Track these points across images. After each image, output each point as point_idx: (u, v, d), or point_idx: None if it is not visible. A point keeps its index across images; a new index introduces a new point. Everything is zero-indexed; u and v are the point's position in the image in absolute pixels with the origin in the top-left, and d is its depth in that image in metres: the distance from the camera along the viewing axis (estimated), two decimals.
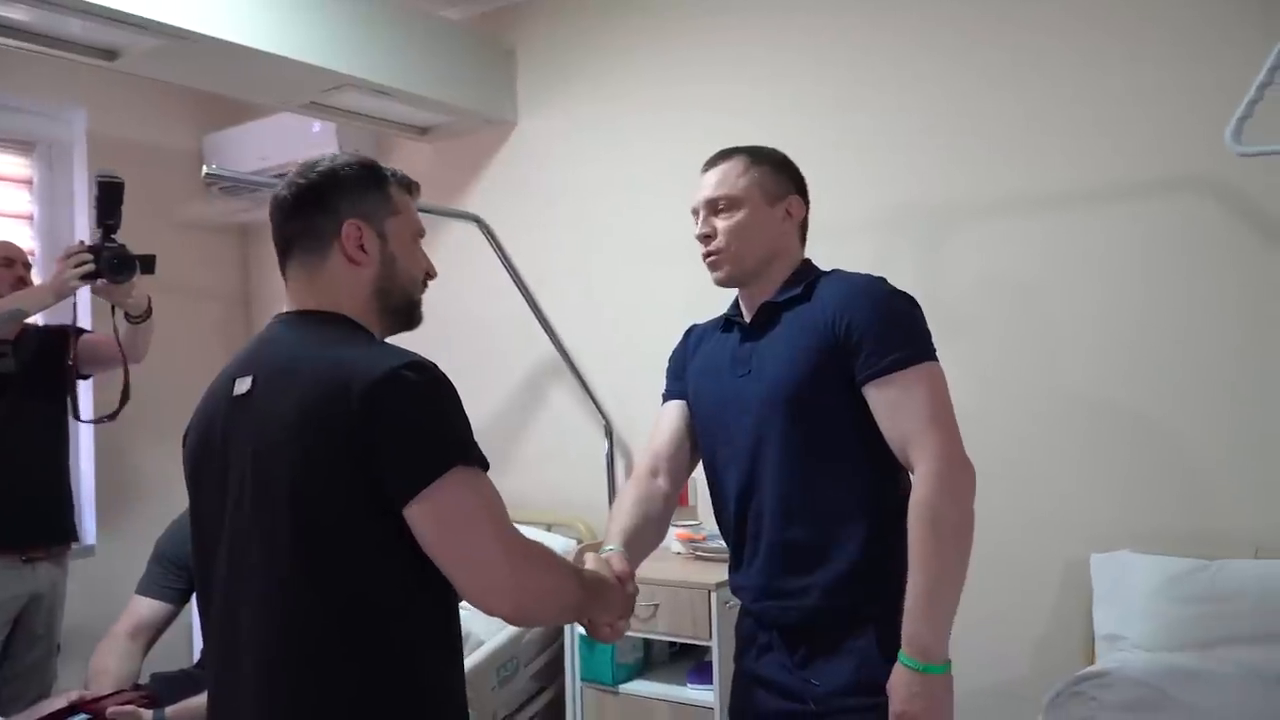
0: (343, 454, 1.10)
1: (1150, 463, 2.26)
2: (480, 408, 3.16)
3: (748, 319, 1.59)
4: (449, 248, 3.38)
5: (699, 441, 1.65)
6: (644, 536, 1.58)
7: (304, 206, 1.27)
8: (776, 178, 1.56)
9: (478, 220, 2.70)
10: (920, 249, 2.53)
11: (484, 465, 1.16)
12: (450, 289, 3.37)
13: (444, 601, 1.19)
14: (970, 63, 2.47)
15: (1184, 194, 2.23)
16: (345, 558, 1.12)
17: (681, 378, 1.71)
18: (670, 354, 1.77)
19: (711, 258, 1.56)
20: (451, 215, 2.87)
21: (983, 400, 2.32)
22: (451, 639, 1.21)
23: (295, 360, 1.19)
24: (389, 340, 1.26)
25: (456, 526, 1.11)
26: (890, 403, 1.40)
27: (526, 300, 2.87)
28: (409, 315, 1.32)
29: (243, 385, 1.22)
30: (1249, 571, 2.03)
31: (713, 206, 1.56)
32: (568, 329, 3.01)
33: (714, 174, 1.57)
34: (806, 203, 1.61)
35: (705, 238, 1.56)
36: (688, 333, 1.75)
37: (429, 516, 1.10)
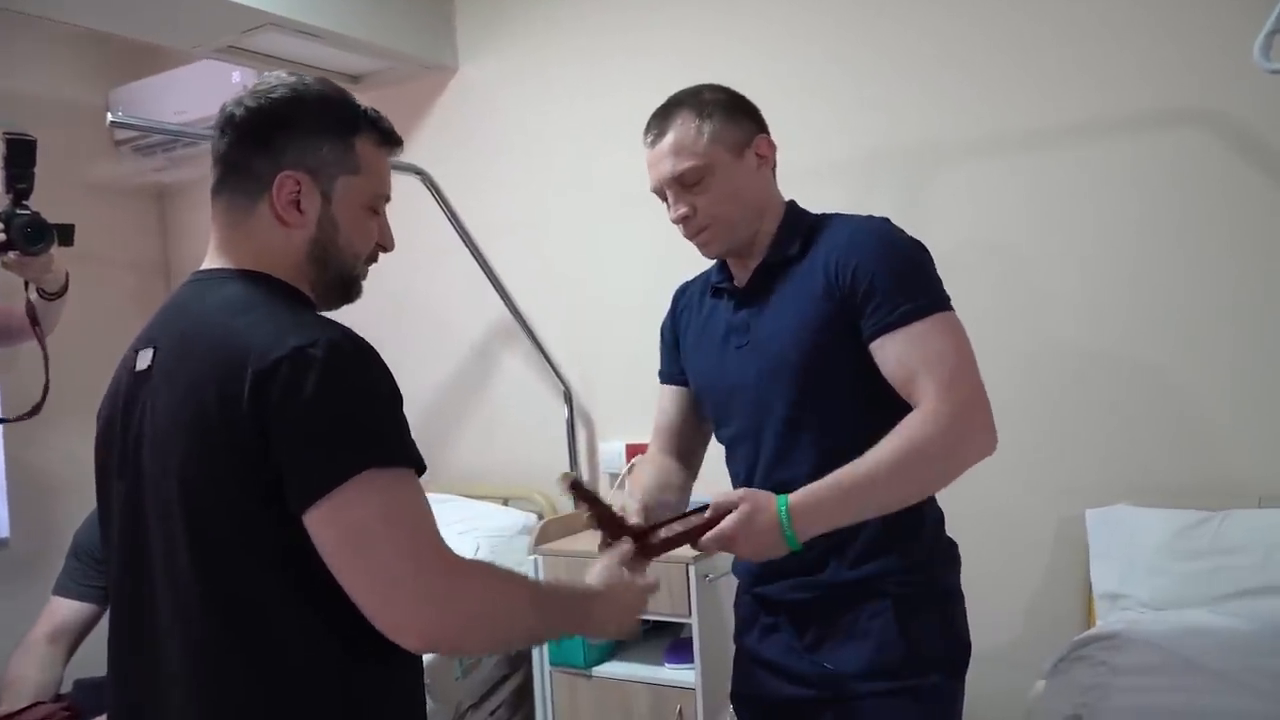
0: (234, 449, 0.94)
1: (1146, 413, 2.20)
2: (428, 377, 3.06)
3: (741, 283, 1.49)
4: (389, 205, 3.26)
5: (709, 417, 1.57)
6: (665, 496, 1.47)
7: (243, 138, 1.08)
8: (733, 122, 1.43)
9: (420, 173, 2.54)
10: (897, 195, 2.44)
11: (412, 465, 0.99)
12: (391, 252, 3.33)
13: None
14: None
15: (1179, 128, 2.15)
16: (242, 573, 0.97)
17: (675, 355, 1.62)
18: (660, 325, 1.66)
19: (700, 237, 1.45)
20: (391, 168, 2.68)
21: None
22: (386, 652, 0.99)
23: (196, 330, 1.02)
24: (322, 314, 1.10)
25: (357, 541, 0.93)
26: (898, 351, 1.30)
27: (476, 259, 2.73)
28: (344, 290, 1.15)
29: (144, 359, 1.07)
30: (1255, 521, 1.98)
31: (679, 183, 1.42)
32: (521, 289, 2.88)
33: (665, 144, 1.42)
34: (769, 135, 1.50)
35: (684, 219, 1.44)
36: (676, 298, 1.65)
37: (327, 527, 0.93)
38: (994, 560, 2.24)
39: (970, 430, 1.28)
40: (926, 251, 1.40)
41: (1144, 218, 2.19)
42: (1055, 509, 2.27)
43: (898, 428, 1.26)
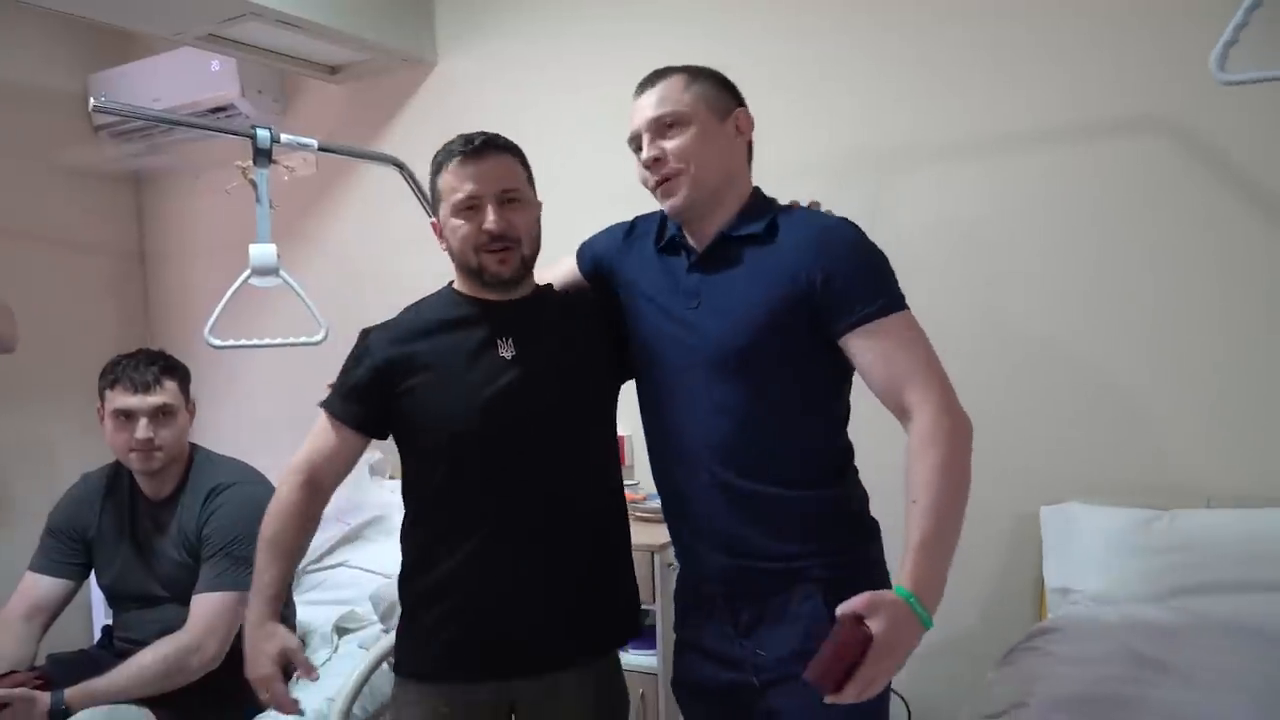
0: None
1: (1100, 412, 2.27)
2: None
3: (697, 247, 1.52)
4: (364, 198, 3.30)
5: (637, 375, 1.61)
6: None
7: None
8: (721, 90, 1.51)
9: (399, 165, 2.58)
10: (867, 193, 2.50)
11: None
12: (368, 244, 3.33)
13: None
14: None
15: (1143, 135, 2.22)
16: None
17: (608, 271, 1.64)
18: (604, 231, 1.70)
19: (666, 183, 1.47)
20: (368, 158, 2.74)
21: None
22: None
23: None
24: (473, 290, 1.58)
25: None
26: (881, 352, 1.36)
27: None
28: (474, 274, 1.55)
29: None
30: (1202, 521, 2.05)
31: (659, 126, 1.47)
32: None
33: (653, 94, 1.49)
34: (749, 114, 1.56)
35: (655, 161, 1.47)
36: (632, 224, 1.66)
37: None
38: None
39: (964, 421, 1.34)
40: (886, 256, 1.46)
41: (1104, 221, 2.26)
42: (1011, 505, 2.32)
43: (921, 450, 1.30)
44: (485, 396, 1.52)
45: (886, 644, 1.16)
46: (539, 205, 1.61)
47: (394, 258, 3.14)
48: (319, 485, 1.60)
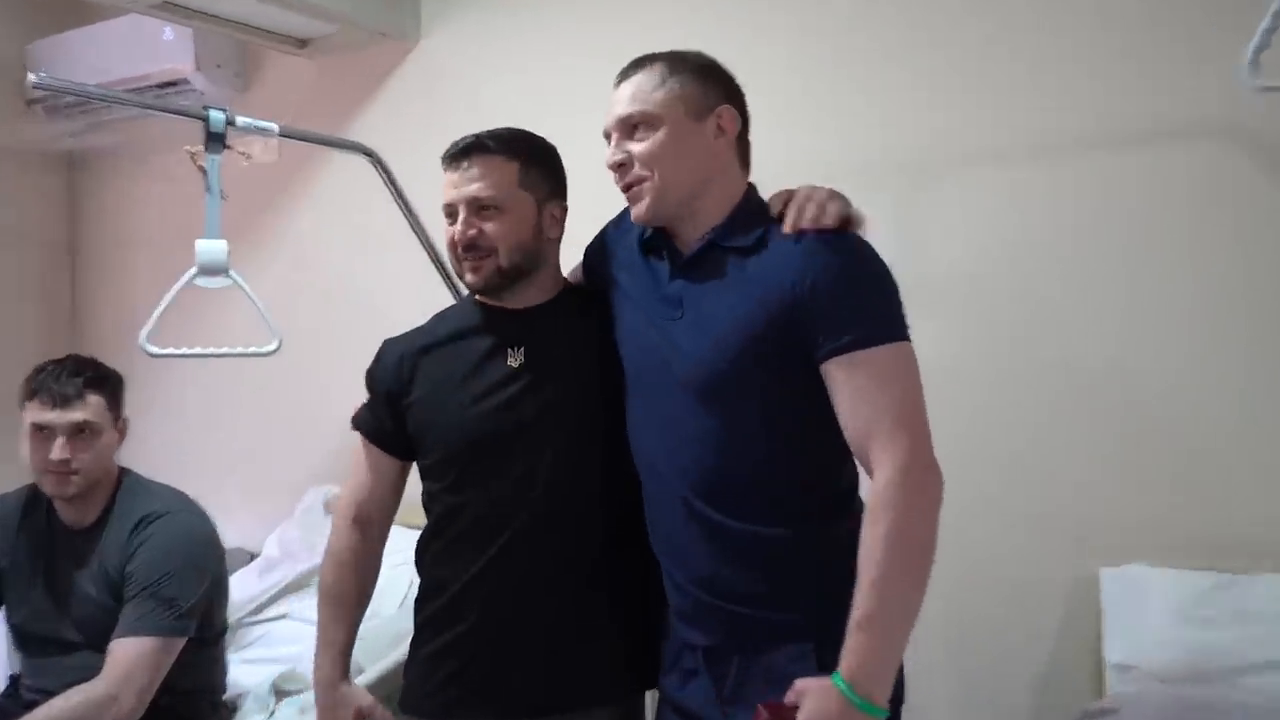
0: None
1: (1166, 460, 2.20)
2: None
3: (683, 251, 1.56)
4: (332, 191, 3.28)
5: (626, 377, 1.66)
6: None
7: None
8: (702, 86, 1.53)
9: (369, 154, 2.53)
10: (892, 207, 2.44)
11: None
12: (333, 244, 3.30)
13: None
14: None
15: (1194, 141, 2.16)
16: None
17: (599, 267, 1.73)
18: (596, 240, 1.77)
19: (630, 191, 1.54)
20: (335, 145, 2.72)
21: (968, 384, 2.30)
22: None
23: None
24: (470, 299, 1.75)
25: None
26: (854, 389, 1.38)
27: (428, 253, 2.68)
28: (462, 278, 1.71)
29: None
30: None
31: (626, 127, 1.53)
32: None
33: (626, 88, 1.54)
34: (744, 116, 1.58)
35: (620, 166, 1.53)
36: (622, 214, 1.70)
37: None
38: (997, 623, 2.29)
39: (928, 480, 1.35)
40: (891, 275, 1.46)
41: (1167, 240, 2.20)
42: (1066, 566, 2.27)
43: (871, 517, 1.33)
44: (483, 409, 1.63)
45: None
46: (533, 209, 1.67)
47: (362, 260, 3.14)
48: (369, 521, 1.75)
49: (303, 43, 3.12)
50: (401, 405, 1.70)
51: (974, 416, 2.29)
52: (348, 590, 1.73)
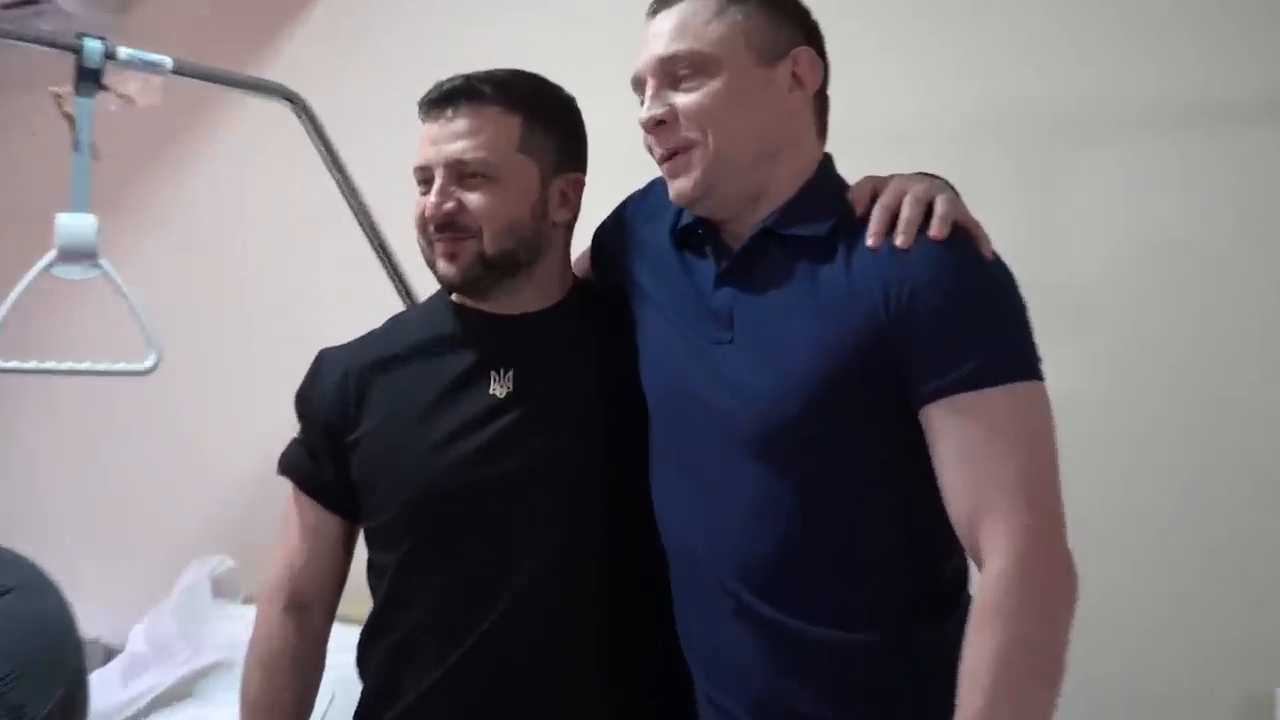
0: None
1: None
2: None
3: (732, 245, 1.48)
4: (242, 146, 3.26)
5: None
6: None
7: None
8: (774, 18, 1.44)
9: (292, 99, 2.41)
10: (1021, 183, 2.35)
11: None
12: (239, 221, 3.28)
13: None
14: None
15: None
16: None
17: (613, 263, 1.70)
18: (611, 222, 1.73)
19: (673, 158, 1.44)
20: (248, 88, 2.58)
21: (1111, 433, 2.21)
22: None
23: None
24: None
25: None
26: (962, 444, 1.30)
27: (369, 237, 2.57)
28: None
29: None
30: None
31: (668, 71, 1.42)
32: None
33: (667, 18, 1.44)
34: (824, 61, 1.48)
35: (657, 123, 1.43)
36: (646, 191, 1.69)
37: None
38: None
39: (1057, 576, 1.29)
40: (1018, 290, 1.37)
41: None
42: (1239, 682, 2.21)
43: (977, 624, 1.27)
44: (455, 454, 1.54)
45: None
46: (536, 180, 1.59)
47: (281, 246, 3.10)
48: (306, 606, 1.66)
49: None
50: (344, 442, 1.62)
51: (1117, 483, 2.22)
52: (282, 703, 1.64)
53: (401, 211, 2.58)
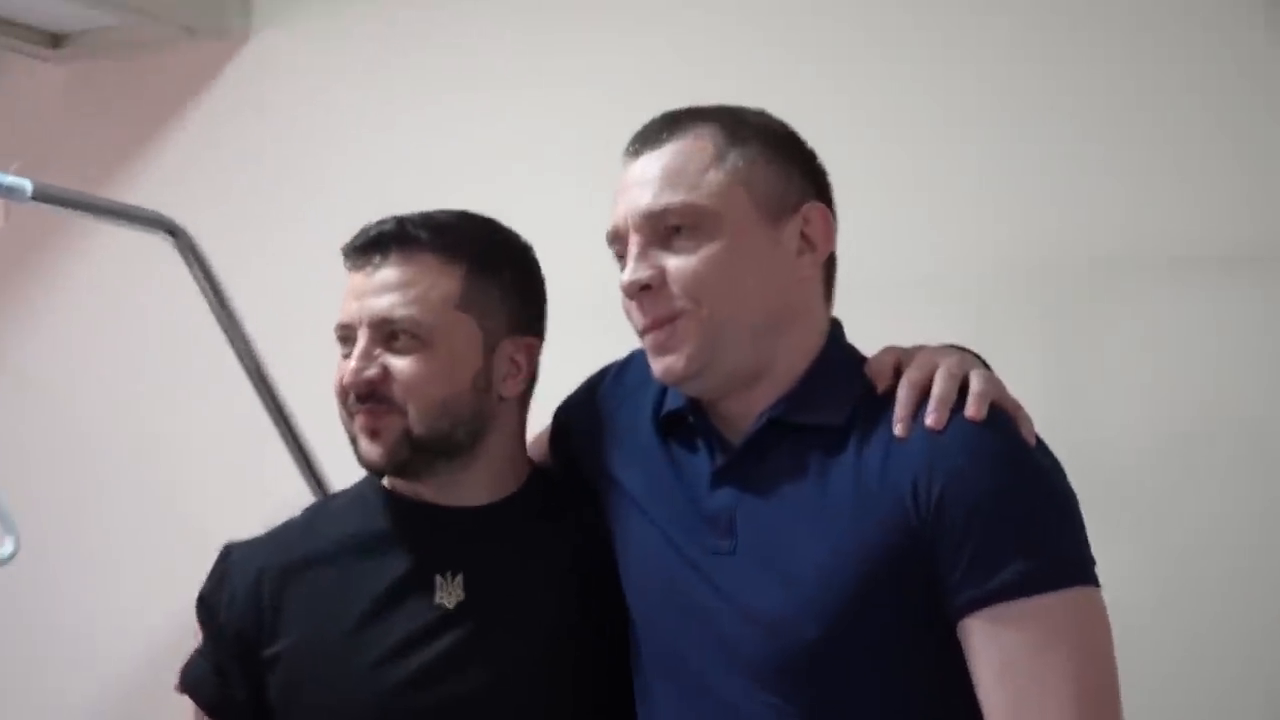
0: None
1: None
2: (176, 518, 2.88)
3: (730, 436, 1.40)
4: (105, 282, 3.11)
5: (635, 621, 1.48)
6: None
7: None
8: (780, 167, 1.36)
9: (174, 232, 2.20)
10: (1055, 342, 2.30)
11: None
12: (102, 366, 3.11)
13: None
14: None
15: None
16: None
17: (580, 451, 1.60)
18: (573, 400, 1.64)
19: (659, 333, 1.34)
20: (119, 220, 2.37)
21: (1158, 641, 2.05)
22: None
23: None
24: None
25: None
26: (1003, 662, 1.22)
27: (261, 395, 2.38)
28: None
29: None
30: None
31: (655, 227, 1.32)
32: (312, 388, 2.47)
33: (653, 160, 1.35)
34: (833, 215, 1.40)
35: (642, 288, 1.32)
36: (624, 364, 1.60)
37: None
38: None
39: None
40: (1067, 483, 1.29)
41: None
42: None
43: None
44: (395, 677, 1.44)
45: None
46: (478, 346, 1.48)
47: (158, 405, 2.93)
48: None
49: (55, 40, 3.00)
50: (260, 657, 1.49)
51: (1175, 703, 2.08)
52: None
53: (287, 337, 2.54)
